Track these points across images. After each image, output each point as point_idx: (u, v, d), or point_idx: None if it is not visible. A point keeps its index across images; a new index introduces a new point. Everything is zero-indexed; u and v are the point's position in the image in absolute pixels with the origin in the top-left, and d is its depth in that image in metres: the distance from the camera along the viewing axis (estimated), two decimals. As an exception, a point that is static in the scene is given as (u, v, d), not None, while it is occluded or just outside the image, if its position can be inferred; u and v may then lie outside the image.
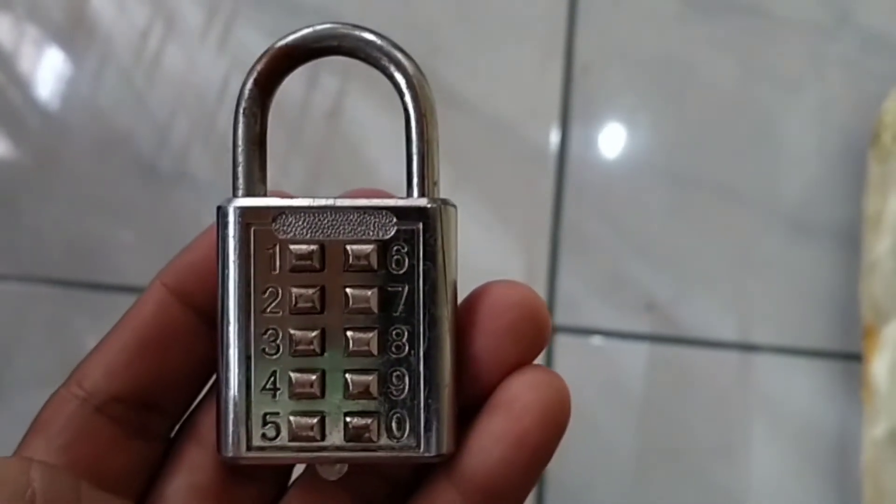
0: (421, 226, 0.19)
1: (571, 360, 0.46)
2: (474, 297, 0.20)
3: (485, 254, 0.47)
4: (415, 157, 0.20)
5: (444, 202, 0.20)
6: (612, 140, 0.49)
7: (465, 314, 0.19)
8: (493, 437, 0.19)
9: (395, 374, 0.19)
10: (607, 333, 0.46)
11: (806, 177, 0.47)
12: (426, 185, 0.20)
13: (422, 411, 0.19)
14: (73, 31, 0.52)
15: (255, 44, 0.50)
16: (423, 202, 0.19)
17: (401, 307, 0.19)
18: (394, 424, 0.19)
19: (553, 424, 0.19)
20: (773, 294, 0.46)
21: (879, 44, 0.48)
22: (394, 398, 0.19)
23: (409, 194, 0.20)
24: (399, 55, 0.20)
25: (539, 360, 0.50)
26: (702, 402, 0.46)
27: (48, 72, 0.53)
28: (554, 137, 0.48)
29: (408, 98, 0.20)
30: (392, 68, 0.20)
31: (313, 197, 0.19)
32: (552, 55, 0.49)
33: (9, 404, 0.49)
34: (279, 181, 0.48)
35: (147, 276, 0.54)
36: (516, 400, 0.19)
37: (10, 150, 0.52)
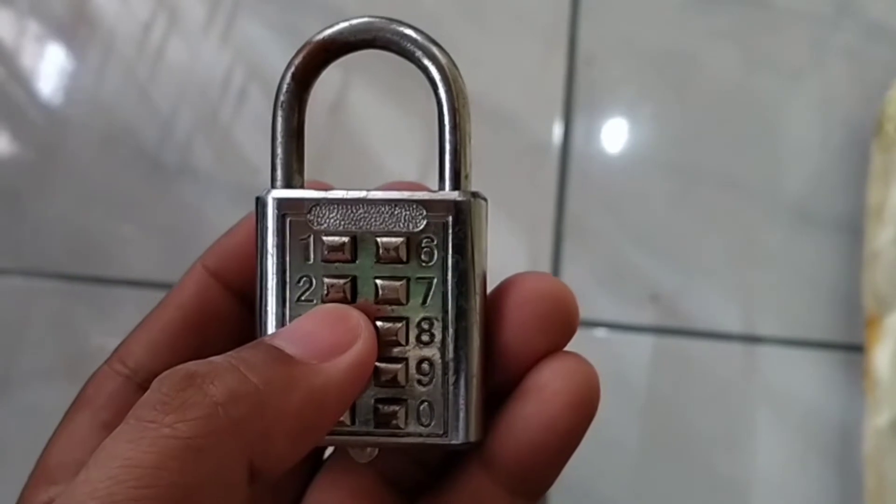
0: (451, 219, 0.20)
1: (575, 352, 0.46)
2: (503, 288, 0.20)
3: (488, 246, 0.47)
4: (447, 150, 0.20)
5: (475, 195, 0.20)
6: (615, 132, 0.49)
7: (495, 304, 0.20)
8: (523, 423, 0.19)
9: (423, 363, 0.20)
10: (611, 325, 0.46)
11: (809, 167, 0.47)
12: (458, 178, 0.20)
13: (449, 400, 0.19)
14: (76, 26, 0.52)
15: (257, 37, 0.50)
16: (454, 195, 0.20)
17: (430, 298, 0.20)
18: (421, 412, 0.20)
19: (583, 410, 0.19)
20: (776, 285, 0.46)
21: (882, 33, 0.48)
22: (422, 386, 0.20)
23: (441, 187, 0.20)
24: (435, 49, 0.20)
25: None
26: (706, 394, 0.46)
27: (50, 66, 0.53)
28: (557, 129, 0.48)
29: (442, 91, 0.20)
30: (427, 62, 0.20)
31: (348, 189, 0.20)
32: (555, 47, 0.49)
33: (13, 397, 0.49)
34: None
35: (150, 269, 0.54)
36: (546, 386, 0.19)
37: (13, 145, 0.52)
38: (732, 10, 0.49)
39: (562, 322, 0.19)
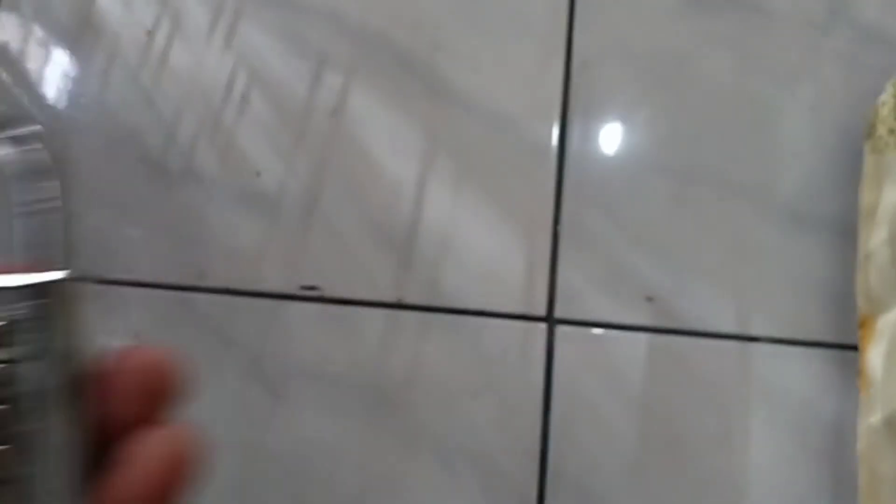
0: (36, 304, 0.19)
1: (572, 352, 0.47)
2: (108, 361, 0.20)
3: (487, 248, 0.48)
4: (32, 227, 0.19)
5: (68, 278, 0.19)
6: (611, 135, 0.49)
7: (99, 377, 0.20)
8: (117, 494, 0.19)
9: (16, 442, 0.19)
10: (607, 325, 0.47)
11: (802, 169, 0.47)
12: (52, 258, 0.19)
13: (44, 479, 0.19)
14: (80, 31, 0.53)
15: (260, 42, 0.51)
16: (43, 278, 0.19)
17: (16, 380, 0.18)
18: (14, 494, 0.19)
19: (175, 475, 0.19)
20: (770, 285, 0.47)
21: (874, 37, 0.48)
22: (15, 467, 0.19)
23: (32, 269, 0.19)
24: (28, 113, 0.18)
25: (540, 354, 0.50)
26: (701, 393, 0.46)
27: (55, 71, 0.53)
28: (554, 132, 0.49)
29: (39, 157, 0.19)
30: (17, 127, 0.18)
31: None
32: (553, 51, 0.50)
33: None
34: (283, 178, 0.49)
35: (154, 270, 0.54)
36: (141, 455, 0.19)
37: (18, 149, 0.53)
38: (727, 14, 0.49)
39: (156, 392, 0.20)
